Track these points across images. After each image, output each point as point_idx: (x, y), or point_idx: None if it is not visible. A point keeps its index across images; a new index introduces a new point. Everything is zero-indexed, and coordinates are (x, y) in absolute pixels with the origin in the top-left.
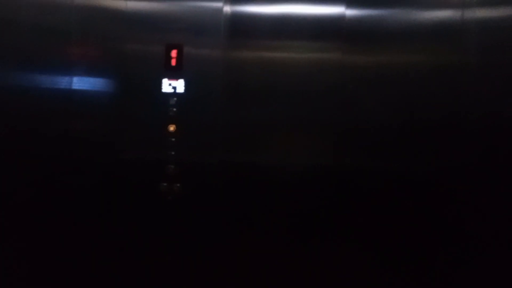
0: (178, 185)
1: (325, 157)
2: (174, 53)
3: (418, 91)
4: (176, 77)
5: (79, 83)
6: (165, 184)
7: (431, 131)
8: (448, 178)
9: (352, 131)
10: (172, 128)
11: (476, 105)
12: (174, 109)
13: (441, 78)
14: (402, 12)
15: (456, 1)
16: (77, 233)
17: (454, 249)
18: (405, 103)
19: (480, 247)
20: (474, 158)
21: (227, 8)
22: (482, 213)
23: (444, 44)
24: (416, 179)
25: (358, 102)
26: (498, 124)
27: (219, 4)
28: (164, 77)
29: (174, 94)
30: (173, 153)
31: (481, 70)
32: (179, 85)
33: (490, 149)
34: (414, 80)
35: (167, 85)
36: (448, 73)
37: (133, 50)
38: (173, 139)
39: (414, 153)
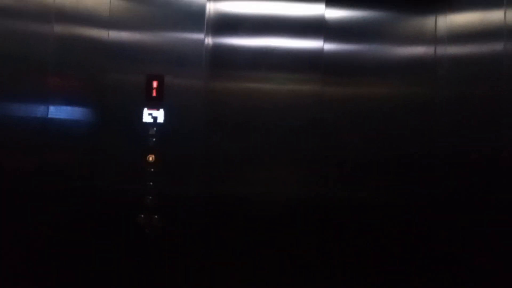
0: (157, 217)
1: (307, 190)
2: (155, 83)
3: (394, 123)
4: (156, 108)
5: (56, 113)
6: (143, 216)
7: (407, 164)
8: (423, 211)
9: (332, 164)
10: (151, 158)
11: (448, 138)
12: (154, 140)
13: (415, 111)
14: (378, 47)
15: (429, 37)
16: (53, 269)
17: (432, 274)
18: (382, 136)
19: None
20: (446, 191)
21: (209, 40)
22: (455, 244)
23: (418, 78)
24: (394, 211)
25: (337, 135)
26: (468, 159)
27: (200, 36)
28: (145, 107)
29: (155, 124)
30: (152, 184)
31: (453, 102)
32: (160, 116)
33: (460, 183)
34: (390, 112)
35: (147, 115)
36: (421, 106)
37: (114, 80)
38: (153, 170)
39: (392, 185)
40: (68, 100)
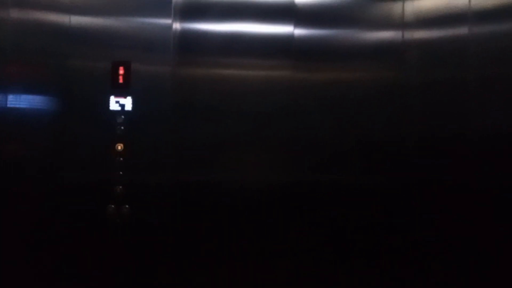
0: (127, 207)
1: (278, 176)
2: (121, 70)
3: (365, 108)
4: (124, 95)
5: (16, 102)
6: (112, 206)
7: (378, 148)
8: (396, 195)
9: (303, 149)
10: (120, 147)
11: (417, 122)
12: (122, 128)
13: (385, 95)
14: (347, 32)
15: (397, 22)
16: (21, 265)
17: (406, 259)
18: (353, 120)
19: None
20: (417, 175)
21: (177, 25)
22: (428, 228)
23: (387, 62)
24: (368, 194)
25: (309, 120)
26: (437, 142)
27: (167, 21)
28: (112, 95)
29: (122, 112)
30: (121, 173)
31: (422, 87)
32: (127, 103)
33: (429, 167)
34: (361, 97)
35: (114, 103)
36: (391, 90)
37: (78, 67)
38: (121, 159)
39: (365, 169)
40: (29, 89)
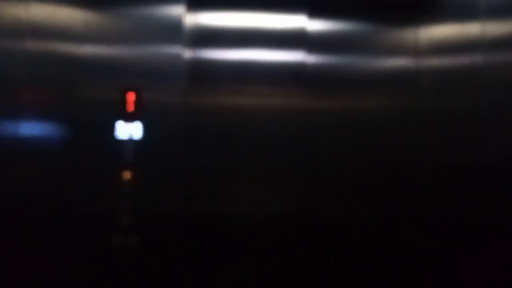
0: (134, 236)
1: (289, 205)
2: (132, 98)
3: (377, 136)
4: (133, 123)
5: (28, 130)
6: (119, 236)
7: (390, 176)
8: (406, 224)
9: (315, 178)
10: (128, 175)
11: (430, 150)
12: (131, 156)
13: (397, 123)
14: (360, 59)
15: (411, 49)
16: None
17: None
18: (365, 149)
19: None
20: (429, 204)
21: (188, 53)
22: (439, 258)
23: (400, 90)
24: (378, 224)
25: (320, 148)
26: (451, 172)
27: (178, 49)
28: (121, 122)
29: (131, 140)
30: (128, 202)
31: (435, 114)
32: (136, 131)
33: (443, 196)
34: (373, 125)
35: (123, 131)
36: (404, 118)
37: (89, 95)
38: (129, 188)
39: (375, 199)
40: (41, 117)
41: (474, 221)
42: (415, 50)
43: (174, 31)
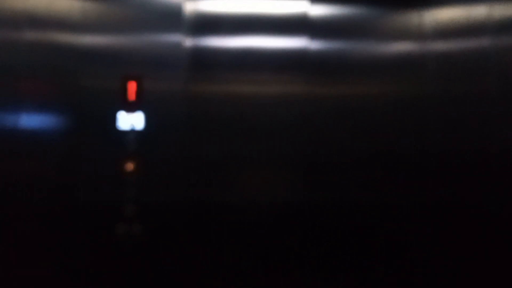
0: (138, 227)
1: (293, 192)
2: (132, 87)
3: (383, 122)
4: (135, 112)
5: (28, 120)
6: (124, 226)
7: (396, 162)
8: (411, 212)
9: (319, 165)
10: (131, 165)
11: (437, 136)
12: (133, 146)
13: (403, 108)
14: (364, 44)
15: (415, 33)
16: (29, 283)
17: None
18: (371, 135)
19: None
20: (434, 192)
21: (188, 41)
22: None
23: (405, 75)
24: (385, 211)
25: (325, 135)
26: (458, 157)
27: (178, 37)
28: (122, 112)
29: (133, 129)
30: (132, 191)
31: (442, 99)
32: (138, 121)
33: (448, 183)
34: (378, 111)
35: (125, 121)
36: (410, 103)
37: (89, 85)
38: (132, 177)
39: (382, 185)
40: (41, 107)
41: (480, 208)
42: (420, 34)
43: (174, 19)
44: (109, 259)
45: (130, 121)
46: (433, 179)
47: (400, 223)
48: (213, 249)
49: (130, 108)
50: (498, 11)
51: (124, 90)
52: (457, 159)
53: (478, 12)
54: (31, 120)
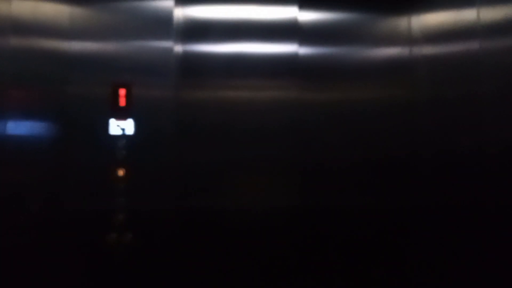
0: (129, 235)
1: (287, 198)
2: (122, 93)
3: (374, 126)
4: (125, 119)
5: (17, 128)
6: (114, 234)
7: (388, 166)
8: (407, 214)
9: (312, 170)
10: (121, 172)
11: (428, 139)
12: (123, 152)
13: (394, 112)
14: (353, 49)
15: (404, 38)
16: None
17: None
18: (362, 139)
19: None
20: (429, 195)
21: (179, 47)
22: (437, 249)
23: (395, 79)
24: (379, 216)
25: (316, 141)
26: (450, 160)
27: (168, 43)
28: (112, 119)
29: (123, 136)
30: (122, 199)
31: (432, 103)
32: (128, 127)
33: (442, 186)
34: (369, 115)
35: (115, 127)
36: (401, 107)
37: (79, 92)
38: (123, 185)
39: (374, 189)
40: (29, 115)
41: (473, 210)
42: (409, 39)
43: (164, 25)
44: (100, 266)
45: (121, 127)
46: (425, 182)
47: (396, 226)
48: (207, 255)
49: (120, 114)
50: (487, 15)
51: (115, 97)
52: (449, 162)
53: (467, 16)
54: (18, 128)
